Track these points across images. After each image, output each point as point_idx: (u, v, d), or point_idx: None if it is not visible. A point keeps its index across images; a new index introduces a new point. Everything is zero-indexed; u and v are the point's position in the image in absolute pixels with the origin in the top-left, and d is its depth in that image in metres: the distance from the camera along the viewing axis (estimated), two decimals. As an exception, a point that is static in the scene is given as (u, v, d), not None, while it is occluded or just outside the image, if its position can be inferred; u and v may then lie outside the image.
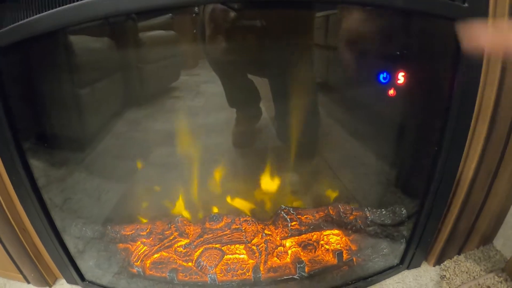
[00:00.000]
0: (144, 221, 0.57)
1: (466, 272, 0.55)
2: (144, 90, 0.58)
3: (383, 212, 0.49)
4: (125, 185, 0.59)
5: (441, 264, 0.56)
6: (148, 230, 0.50)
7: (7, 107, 0.43)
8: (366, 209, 0.49)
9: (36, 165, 0.51)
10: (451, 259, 0.56)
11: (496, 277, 0.56)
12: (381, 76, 0.42)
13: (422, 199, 0.48)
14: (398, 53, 0.40)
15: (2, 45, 0.39)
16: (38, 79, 0.49)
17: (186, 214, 0.50)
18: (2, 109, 0.42)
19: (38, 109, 0.52)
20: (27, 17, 0.38)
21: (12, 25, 0.38)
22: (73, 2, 0.35)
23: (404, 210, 0.49)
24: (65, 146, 0.58)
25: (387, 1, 0.36)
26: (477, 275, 0.55)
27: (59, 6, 0.36)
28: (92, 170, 0.60)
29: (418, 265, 0.53)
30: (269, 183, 0.49)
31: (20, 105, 0.46)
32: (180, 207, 0.51)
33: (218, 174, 0.50)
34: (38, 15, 0.37)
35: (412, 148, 0.47)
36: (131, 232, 0.52)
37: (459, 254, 0.57)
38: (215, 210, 0.49)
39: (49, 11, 0.36)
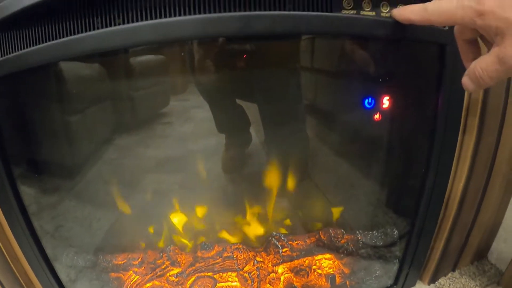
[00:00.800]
0: (142, 244, 0.56)
1: (462, 289, 0.56)
2: (134, 116, 0.58)
3: (375, 234, 0.49)
4: (116, 212, 0.59)
5: (436, 282, 0.56)
6: (140, 259, 0.50)
7: None
8: (357, 232, 0.49)
9: (27, 192, 0.51)
10: (445, 276, 0.56)
11: (491, 291, 0.56)
12: (366, 101, 0.43)
13: (412, 219, 0.48)
14: (381, 80, 0.41)
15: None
16: (27, 107, 0.50)
17: (177, 242, 0.50)
18: None
19: (28, 136, 0.52)
20: (16, 51, 0.38)
21: (1, 58, 0.39)
22: (63, 36, 0.35)
23: (396, 231, 0.50)
24: (56, 173, 0.57)
25: (370, 33, 0.37)
26: (472, 291, 0.56)
27: (49, 41, 0.36)
28: (83, 198, 0.60)
29: (412, 284, 0.53)
30: (259, 209, 0.49)
31: (10, 133, 0.47)
32: (171, 235, 0.51)
33: (208, 201, 0.50)
34: (28, 49, 0.37)
35: (401, 169, 0.48)
36: (123, 262, 0.51)
37: (453, 270, 0.58)
38: (206, 238, 0.49)
39: (40, 46, 0.36)
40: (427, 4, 0.29)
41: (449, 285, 0.55)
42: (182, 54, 0.50)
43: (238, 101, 0.53)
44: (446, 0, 0.27)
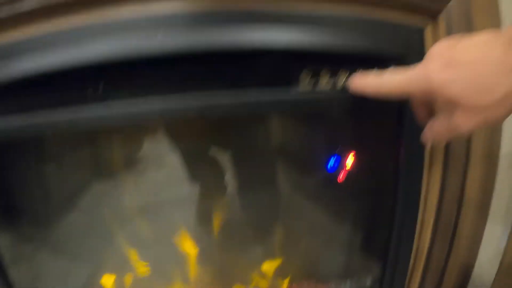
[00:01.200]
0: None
1: (439, 331, 0.56)
2: (107, 163, 0.58)
3: (347, 283, 0.50)
4: (93, 266, 0.58)
5: (413, 326, 0.56)
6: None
7: None
8: (330, 282, 0.50)
9: (2, 241, 0.50)
10: (422, 319, 0.57)
11: (469, 331, 0.57)
12: (329, 165, 0.44)
13: (383, 265, 0.49)
14: (340, 143, 0.42)
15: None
16: None
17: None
18: None
19: (1, 183, 0.51)
20: None
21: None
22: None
23: (370, 278, 0.50)
24: (31, 221, 0.57)
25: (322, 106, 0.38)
26: (449, 332, 0.56)
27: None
28: (59, 249, 0.59)
29: (390, 330, 0.54)
30: (232, 262, 0.49)
31: None
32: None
33: (183, 252, 0.50)
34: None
35: (369, 221, 0.49)
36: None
37: (431, 312, 0.58)
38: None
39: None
40: (381, 77, 0.31)
41: (426, 327, 0.56)
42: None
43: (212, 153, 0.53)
44: (397, 76, 0.30)
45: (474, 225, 0.57)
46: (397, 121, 0.42)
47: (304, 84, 0.35)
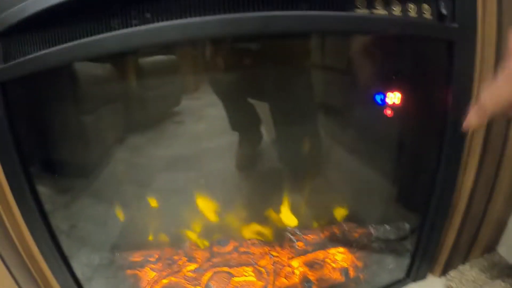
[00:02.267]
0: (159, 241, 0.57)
1: (472, 281, 0.57)
2: (146, 115, 0.60)
3: (387, 228, 0.51)
4: (131, 210, 0.60)
5: (447, 275, 0.57)
6: (156, 256, 0.51)
7: (15, 136, 0.44)
8: (370, 226, 0.51)
9: (43, 191, 0.52)
10: (456, 269, 0.58)
11: (502, 283, 0.57)
12: (378, 97, 0.44)
13: (423, 213, 0.50)
14: (393, 77, 0.42)
15: (9, 79, 0.41)
16: (43, 107, 0.51)
17: (194, 239, 0.51)
18: (11, 138, 0.44)
19: (43, 136, 0.53)
20: (34, 52, 0.39)
21: (19, 59, 0.40)
22: (79, 38, 0.36)
23: (407, 225, 0.51)
24: (71, 172, 0.59)
25: (379, 29, 0.38)
26: (483, 283, 0.57)
27: (65, 42, 0.37)
28: (98, 196, 0.61)
29: (424, 277, 0.55)
30: (274, 205, 0.50)
31: (26, 133, 0.48)
32: (187, 232, 0.53)
33: (222, 198, 0.52)
34: (46, 50, 0.38)
35: (412, 164, 0.49)
36: (139, 259, 0.53)
37: (464, 263, 0.59)
38: (222, 234, 0.50)
39: (58, 47, 0.37)
40: (482, 106, 0.29)
41: (460, 277, 0.56)
42: (195, 53, 0.51)
43: (250, 100, 0.54)
44: (496, 93, 0.28)
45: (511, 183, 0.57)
46: (448, 62, 0.42)
47: (361, 9, 0.36)
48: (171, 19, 0.34)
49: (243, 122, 0.55)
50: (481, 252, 0.61)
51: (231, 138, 0.56)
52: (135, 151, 0.61)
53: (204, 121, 0.58)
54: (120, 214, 0.58)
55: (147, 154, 0.60)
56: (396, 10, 0.38)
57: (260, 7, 0.33)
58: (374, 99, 0.44)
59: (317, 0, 0.34)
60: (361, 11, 0.37)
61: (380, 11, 0.38)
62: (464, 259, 0.59)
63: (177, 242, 0.52)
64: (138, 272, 0.55)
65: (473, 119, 0.31)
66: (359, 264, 0.51)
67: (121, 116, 0.60)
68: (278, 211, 0.52)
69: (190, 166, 0.58)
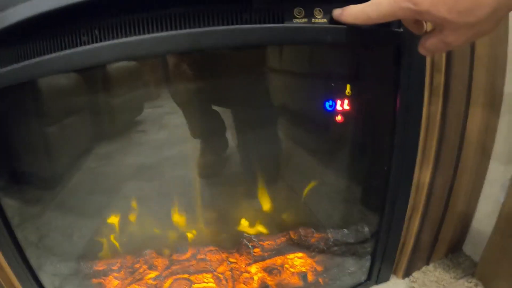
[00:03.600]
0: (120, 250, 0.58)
1: (436, 281, 0.58)
2: (109, 125, 0.60)
3: (346, 232, 0.51)
4: (97, 221, 0.61)
5: (410, 276, 0.58)
6: (118, 264, 0.52)
7: None
8: (328, 230, 0.52)
9: (9, 204, 0.53)
10: (419, 270, 0.59)
11: (466, 283, 0.58)
12: (327, 104, 0.45)
13: (381, 215, 0.51)
14: (340, 83, 0.43)
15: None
16: (4, 120, 0.52)
17: (153, 246, 0.52)
18: None
19: (7, 148, 0.54)
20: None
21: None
22: (41, 54, 0.36)
23: (366, 228, 0.52)
24: (37, 184, 0.60)
25: (319, 38, 0.38)
26: (446, 283, 0.58)
27: (29, 58, 0.37)
28: (64, 207, 0.62)
29: (386, 279, 0.56)
30: (233, 211, 0.51)
31: None
32: (149, 240, 0.54)
33: (182, 206, 0.52)
34: (9, 67, 0.39)
35: (366, 167, 0.50)
36: (103, 267, 0.54)
37: (427, 264, 0.60)
38: (180, 241, 0.51)
39: (19, 64, 0.38)
40: (366, 5, 0.31)
41: (423, 278, 0.57)
42: (155, 62, 0.52)
43: (214, 107, 0.55)
44: (383, 2, 0.29)
45: (472, 177, 0.58)
46: (394, 58, 0.42)
47: (298, 19, 0.36)
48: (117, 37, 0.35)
49: (207, 129, 0.55)
50: (445, 252, 0.62)
51: (195, 145, 0.57)
52: (99, 161, 0.61)
53: (166, 129, 0.58)
54: (85, 224, 0.59)
55: (111, 163, 0.61)
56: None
57: (198, 23, 0.34)
58: (324, 105, 0.44)
59: (256, 13, 0.35)
60: (300, 21, 0.37)
61: (319, 19, 0.38)
62: (428, 260, 0.60)
63: (137, 250, 0.53)
64: (102, 280, 0.56)
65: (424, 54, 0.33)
66: (319, 268, 0.52)
67: (85, 126, 0.61)
68: (237, 218, 0.53)
69: (153, 174, 0.58)
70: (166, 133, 0.59)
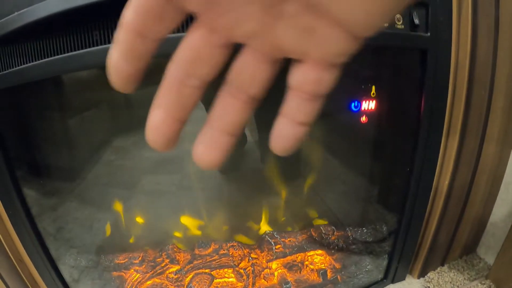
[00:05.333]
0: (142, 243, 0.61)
1: (450, 282, 0.60)
2: (130, 117, 0.62)
3: (365, 230, 0.54)
4: (116, 213, 0.63)
5: (425, 276, 0.60)
6: (140, 258, 0.54)
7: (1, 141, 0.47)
8: (347, 228, 0.54)
9: (30, 194, 0.55)
10: (434, 270, 0.61)
11: (479, 284, 0.61)
12: (352, 105, 0.47)
13: (400, 215, 0.53)
14: (366, 84, 0.45)
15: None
16: (27, 113, 0.54)
17: (176, 240, 0.54)
18: None
19: (29, 140, 0.56)
20: (17, 65, 0.42)
21: (3, 72, 0.43)
22: (64, 52, 0.39)
23: (385, 227, 0.54)
24: (57, 175, 0.62)
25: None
26: (460, 284, 0.60)
27: (50, 56, 0.40)
28: (84, 199, 0.64)
29: (402, 278, 0.58)
30: (254, 208, 0.53)
31: (12, 139, 0.51)
32: (170, 234, 0.56)
33: (205, 200, 0.55)
34: (29, 64, 0.41)
35: (388, 168, 0.52)
36: (124, 261, 0.56)
37: (442, 265, 0.62)
38: (203, 236, 0.53)
39: (40, 61, 0.40)
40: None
41: (438, 279, 0.60)
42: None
43: None
44: None
45: (490, 181, 0.60)
46: (421, 64, 0.44)
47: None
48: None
49: None
50: (460, 254, 0.64)
51: None
52: (119, 154, 0.63)
53: (189, 122, 0.60)
54: (105, 217, 0.62)
55: (131, 156, 0.63)
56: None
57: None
58: (349, 106, 0.46)
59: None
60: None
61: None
62: (443, 261, 0.63)
63: (159, 244, 0.55)
64: (123, 273, 0.58)
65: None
66: (337, 265, 0.54)
67: (105, 119, 0.63)
68: (258, 214, 0.55)
69: (173, 168, 0.60)
70: (188, 126, 0.61)
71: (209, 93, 0.53)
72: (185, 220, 0.56)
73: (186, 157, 0.61)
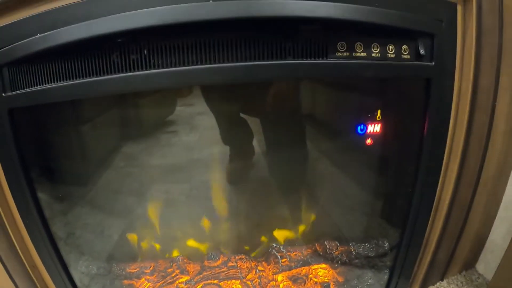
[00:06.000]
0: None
1: (448, 297, 0.63)
2: (139, 124, 0.64)
3: (367, 246, 0.56)
4: (126, 220, 0.65)
5: (425, 290, 0.63)
6: (151, 268, 0.57)
7: (19, 149, 0.49)
8: (350, 243, 0.57)
9: (42, 198, 0.57)
10: (433, 285, 0.64)
11: (477, 300, 0.63)
12: (359, 128, 0.50)
13: (401, 232, 0.56)
14: (369, 110, 0.48)
15: (16, 106, 0.46)
16: (43, 121, 0.56)
17: (186, 251, 0.57)
18: (16, 152, 0.49)
19: (43, 145, 0.59)
20: (38, 84, 0.44)
21: (24, 90, 0.45)
22: (82, 75, 0.41)
23: (387, 243, 0.57)
24: (69, 181, 0.64)
25: (357, 73, 0.43)
26: (458, 299, 0.63)
27: (68, 79, 0.42)
28: (94, 205, 0.67)
29: (402, 292, 0.61)
30: (261, 219, 0.56)
31: (28, 144, 0.53)
32: (180, 245, 0.59)
33: (212, 211, 0.57)
34: (50, 85, 0.43)
35: (392, 186, 0.55)
36: (135, 270, 0.59)
37: (442, 280, 0.65)
38: (211, 248, 0.56)
39: (61, 84, 0.42)
40: None
41: (437, 293, 0.63)
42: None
43: (242, 115, 0.59)
44: None
45: (489, 200, 0.63)
46: (425, 92, 0.47)
47: (341, 53, 0.41)
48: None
49: (235, 136, 0.60)
50: (460, 269, 0.67)
51: (223, 149, 0.61)
52: (129, 161, 0.66)
53: (196, 131, 0.62)
54: (113, 223, 0.64)
55: (141, 164, 0.65)
56: (375, 52, 0.43)
57: (252, 58, 0.39)
58: (356, 129, 0.49)
59: (301, 49, 0.39)
60: (342, 54, 0.42)
61: (360, 53, 0.43)
62: (443, 276, 0.65)
63: (170, 254, 0.57)
64: (134, 282, 0.61)
65: None
66: (340, 279, 0.57)
67: (117, 126, 0.65)
68: (265, 226, 0.58)
69: (182, 177, 0.63)
70: (197, 135, 0.63)
71: (219, 103, 0.56)
72: (194, 230, 0.59)
73: (194, 166, 0.63)
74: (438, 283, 0.64)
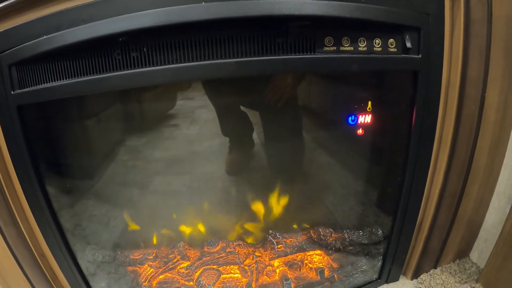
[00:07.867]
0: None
1: (441, 284, 0.66)
2: (142, 118, 0.69)
3: (361, 233, 0.60)
4: (130, 211, 0.71)
5: (418, 278, 0.67)
6: (154, 254, 0.62)
7: (28, 143, 0.54)
8: (345, 231, 0.61)
9: (50, 191, 0.62)
10: (427, 272, 0.68)
11: (469, 287, 0.67)
12: (350, 119, 0.53)
13: (393, 220, 0.59)
14: (360, 101, 0.51)
15: (24, 103, 0.51)
16: (50, 118, 0.61)
17: (186, 238, 0.62)
18: (25, 147, 0.53)
19: (51, 140, 0.63)
20: (45, 82, 0.49)
21: (32, 88, 0.50)
22: (93, 73, 0.46)
23: (380, 230, 0.61)
24: (76, 174, 0.69)
25: (345, 66, 0.47)
26: (451, 286, 0.66)
27: (74, 77, 0.47)
28: (100, 197, 0.72)
29: (396, 279, 0.65)
30: (258, 209, 0.61)
31: (37, 139, 0.58)
32: (181, 233, 0.63)
33: (212, 201, 0.62)
34: (56, 83, 0.48)
35: (383, 175, 0.59)
36: (139, 257, 0.64)
37: (435, 267, 0.69)
38: (211, 235, 0.61)
39: (66, 81, 0.47)
40: None
41: (430, 280, 0.66)
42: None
43: (243, 108, 0.63)
44: None
45: (481, 189, 0.66)
46: (412, 83, 0.50)
47: (329, 47, 0.44)
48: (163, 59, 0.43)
49: (235, 128, 0.64)
50: (453, 258, 0.71)
51: (223, 141, 0.66)
52: (133, 153, 0.71)
53: (196, 124, 0.66)
54: (120, 214, 0.69)
55: (144, 157, 0.70)
56: (362, 46, 0.47)
57: (245, 54, 0.42)
58: (347, 119, 0.53)
59: (291, 44, 0.43)
60: (329, 49, 0.46)
61: (346, 48, 0.46)
62: (436, 263, 0.69)
63: (172, 241, 0.62)
64: (137, 268, 0.66)
65: None
66: (335, 265, 0.61)
67: (121, 120, 0.70)
68: (262, 214, 0.62)
69: (183, 169, 0.67)
70: (197, 128, 0.67)
71: (220, 97, 0.61)
72: (194, 219, 0.63)
73: (195, 158, 0.67)
74: (431, 271, 0.68)
